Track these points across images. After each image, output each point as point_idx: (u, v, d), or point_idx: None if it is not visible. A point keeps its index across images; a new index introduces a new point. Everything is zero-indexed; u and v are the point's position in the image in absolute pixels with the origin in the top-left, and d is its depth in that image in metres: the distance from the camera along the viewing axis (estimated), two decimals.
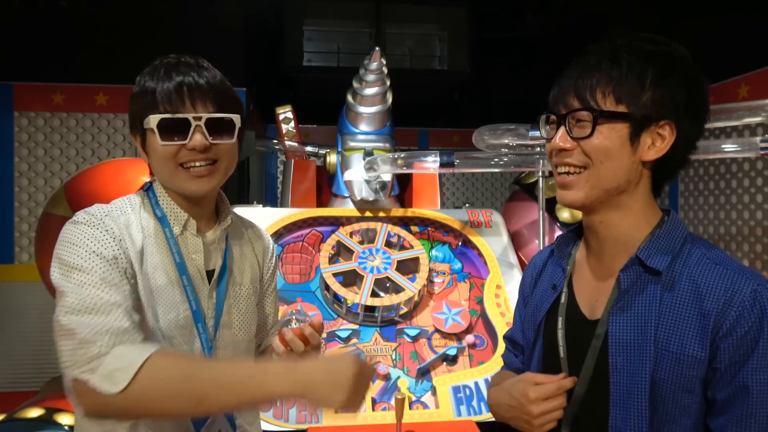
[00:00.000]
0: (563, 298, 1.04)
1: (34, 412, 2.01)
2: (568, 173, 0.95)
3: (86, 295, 0.94)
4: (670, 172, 0.98)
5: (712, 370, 0.87)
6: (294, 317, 1.10)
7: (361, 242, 2.46)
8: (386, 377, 2.09)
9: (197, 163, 1.04)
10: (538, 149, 2.40)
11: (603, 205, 0.96)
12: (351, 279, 2.35)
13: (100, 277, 0.96)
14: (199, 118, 1.02)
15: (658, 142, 0.92)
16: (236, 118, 1.06)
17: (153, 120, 1.01)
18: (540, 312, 1.08)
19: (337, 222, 2.55)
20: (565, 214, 2.63)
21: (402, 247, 2.46)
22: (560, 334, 1.01)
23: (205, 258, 1.12)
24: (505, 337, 1.29)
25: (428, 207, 2.68)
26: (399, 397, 1.73)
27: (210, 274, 1.13)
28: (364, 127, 2.56)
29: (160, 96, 1.02)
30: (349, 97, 2.53)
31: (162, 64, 1.06)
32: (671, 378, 0.88)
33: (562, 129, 0.95)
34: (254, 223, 1.33)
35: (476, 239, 2.52)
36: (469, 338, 2.22)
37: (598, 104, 0.91)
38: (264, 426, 1.74)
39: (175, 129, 1.01)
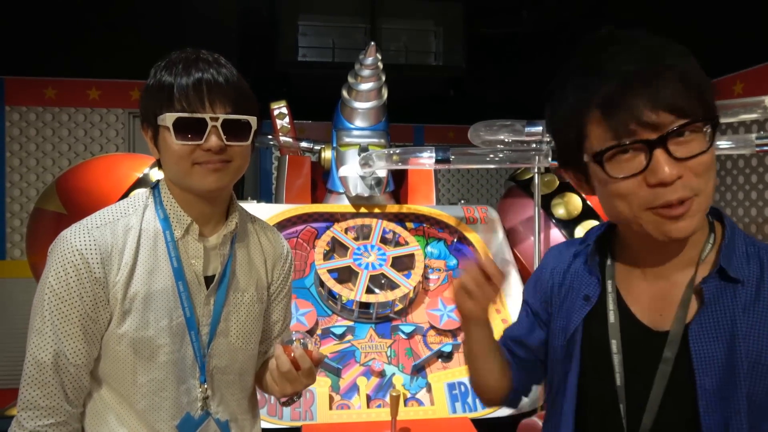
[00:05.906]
0: (612, 318, 0.88)
1: None
2: (681, 202, 0.76)
3: (47, 349, 0.98)
4: None
5: None
6: (296, 338, 1.09)
7: (356, 238, 2.45)
8: (381, 374, 2.08)
9: (211, 165, 1.02)
10: (534, 145, 2.39)
11: None
12: (346, 275, 2.34)
13: (79, 323, 0.99)
14: (216, 119, 0.99)
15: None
16: (252, 120, 1.04)
17: (169, 118, 0.98)
18: (571, 325, 0.91)
19: (331, 218, 2.54)
20: (560, 211, 2.62)
21: (397, 244, 2.45)
22: (616, 359, 0.85)
23: (206, 263, 1.09)
24: (509, 339, 1.06)
25: (423, 203, 2.67)
26: (394, 394, 1.72)
27: (209, 279, 1.09)
28: (359, 122, 2.55)
29: (177, 92, 0.98)
30: (344, 93, 2.52)
31: (180, 59, 1.02)
32: (764, 391, 0.79)
33: (661, 155, 0.74)
34: (273, 228, 1.28)
35: (472, 235, 2.51)
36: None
37: (698, 112, 0.75)
38: None
39: (191, 128, 0.99)
